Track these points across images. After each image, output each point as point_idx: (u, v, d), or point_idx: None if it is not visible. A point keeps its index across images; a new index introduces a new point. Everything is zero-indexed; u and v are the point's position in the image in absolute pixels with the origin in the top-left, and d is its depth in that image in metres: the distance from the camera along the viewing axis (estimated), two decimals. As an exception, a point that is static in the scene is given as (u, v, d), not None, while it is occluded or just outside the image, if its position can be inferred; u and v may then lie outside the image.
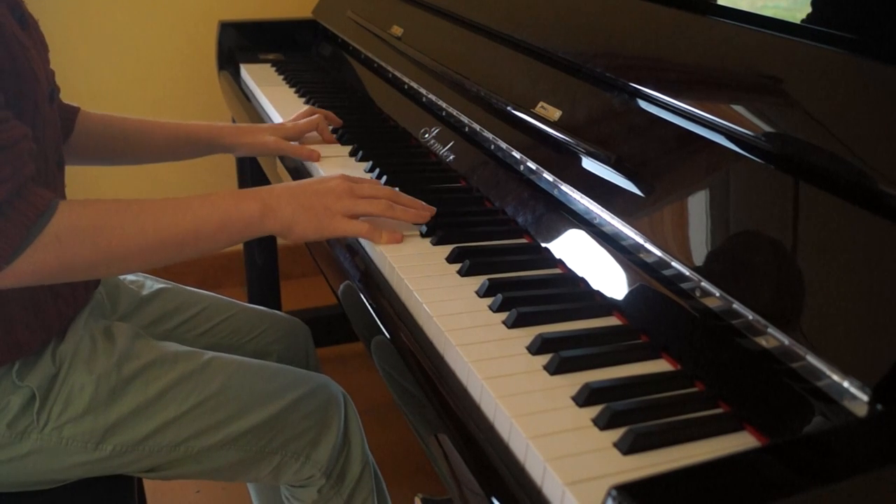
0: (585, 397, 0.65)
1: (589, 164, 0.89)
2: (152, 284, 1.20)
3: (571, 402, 0.65)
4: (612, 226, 0.83)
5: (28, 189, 0.80)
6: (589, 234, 0.86)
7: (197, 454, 0.99)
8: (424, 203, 0.97)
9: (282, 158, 1.27)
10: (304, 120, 1.28)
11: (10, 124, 0.81)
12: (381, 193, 0.94)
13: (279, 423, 1.02)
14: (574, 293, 0.83)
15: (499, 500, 0.60)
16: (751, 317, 0.65)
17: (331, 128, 1.32)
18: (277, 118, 1.44)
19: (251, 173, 1.88)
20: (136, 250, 0.86)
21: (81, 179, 1.12)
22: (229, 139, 1.26)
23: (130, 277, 1.20)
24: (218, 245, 0.90)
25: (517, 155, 1.01)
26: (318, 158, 1.21)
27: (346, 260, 0.95)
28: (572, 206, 0.91)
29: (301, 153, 1.23)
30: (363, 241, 0.97)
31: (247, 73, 1.73)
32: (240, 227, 0.90)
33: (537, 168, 0.97)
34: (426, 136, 1.24)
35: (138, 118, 1.22)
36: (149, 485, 1.23)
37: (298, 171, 1.23)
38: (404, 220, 0.94)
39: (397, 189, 0.99)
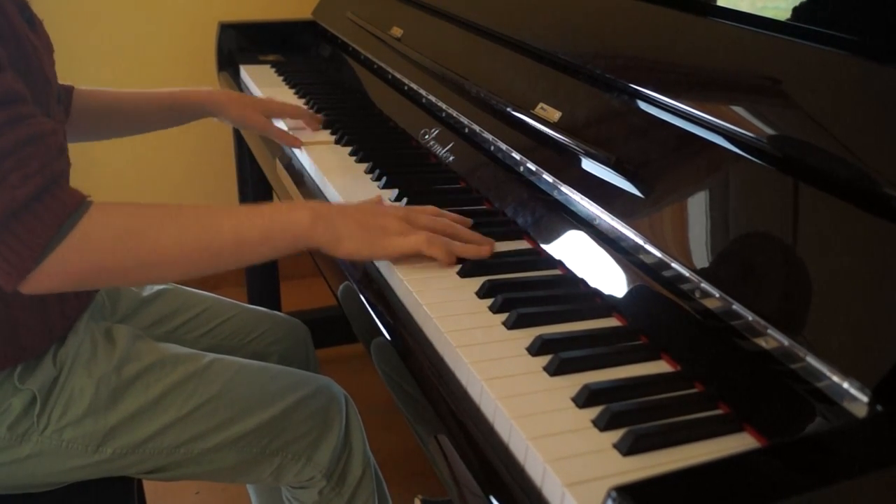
0: (585, 398, 0.65)
1: (589, 165, 0.89)
2: (152, 286, 1.20)
3: (571, 403, 0.65)
4: (612, 227, 0.83)
5: (60, 186, 0.78)
6: (589, 235, 0.86)
7: (197, 456, 0.99)
8: (482, 236, 0.90)
9: (286, 166, 1.27)
10: (279, 101, 1.34)
11: (37, 119, 0.80)
12: (440, 226, 0.88)
13: (280, 424, 1.02)
14: (574, 294, 0.83)
15: (498, 502, 0.60)
16: (750, 318, 0.65)
17: (323, 126, 1.35)
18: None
19: (250, 171, 1.89)
20: (172, 255, 0.82)
21: (80, 172, 1.12)
22: (220, 106, 1.30)
23: (131, 278, 1.20)
24: (261, 256, 0.85)
25: (517, 156, 1.01)
26: (299, 145, 1.27)
27: (345, 262, 0.95)
28: (572, 208, 0.91)
29: (284, 138, 1.29)
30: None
31: (246, 74, 1.73)
32: (287, 236, 0.84)
33: (537, 169, 0.97)
34: (426, 137, 1.24)
35: (130, 91, 1.24)
36: (149, 486, 1.23)
37: (301, 174, 1.23)
38: (463, 256, 0.87)
39: (456, 220, 0.92)
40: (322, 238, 0.84)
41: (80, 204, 0.79)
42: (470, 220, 0.94)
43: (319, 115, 1.39)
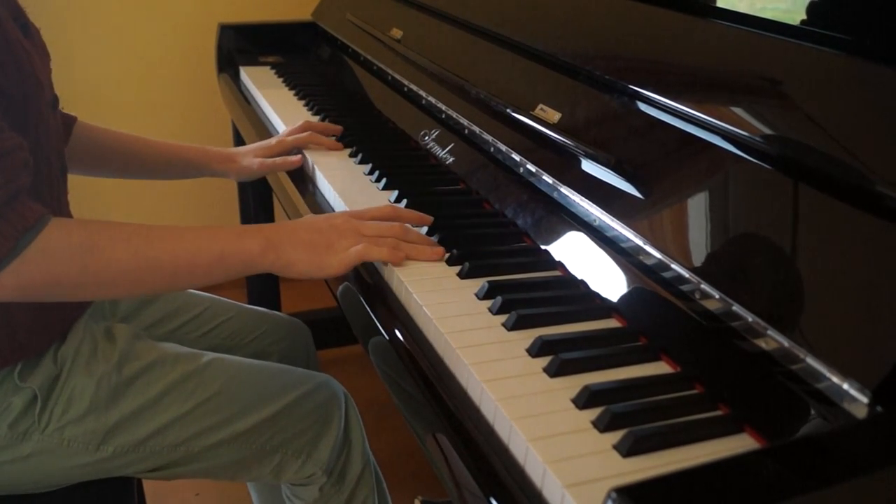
0: (585, 399, 0.65)
1: (588, 166, 0.90)
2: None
3: (571, 405, 0.65)
4: (612, 228, 0.83)
5: (20, 201, 0.80)
6: (588, 236, 0.86)
7: (198, 454, 0.99)
8: (432, 241, 0.93)
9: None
10: (291, 138, 1.28)
11: (4, 134, 0.80)
12: (388, 232, 0.91)
13: (280, 421, 1.02)
14: (574, 295, 0.83)
15: (498, 503, 0.60)
16: (750, 319, 0.65)
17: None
18: (277, 120, 1.44)
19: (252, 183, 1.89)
20: (126, 273, 0.84)
21: (83, 186, 1.12)
22: (218, 165, 1.28)
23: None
24: (213, 278, 0.88)
25: (517, 157, 1.01)
26: (298, 163, 1.24)
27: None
28: (572, 209, 0.91)
29: (283, 166, 1.25)
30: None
31: (246, 75, 1.73)
32: (237, 261, 0.88)
33: (537, 170, 0.97)
34: (426, 138, 1.24)
35: (131, 135, 1.23)
36: (149, 488, 1.23)
37: (301, 176, 1.23)
38: (414, 259, 0.90)
39: (413, 219, 0.96)
40: (272, 265, 0.88)
41: (39, 219, 0.80)
42: (430, 218, 0.96)
43: (330, 125, 1.32)
